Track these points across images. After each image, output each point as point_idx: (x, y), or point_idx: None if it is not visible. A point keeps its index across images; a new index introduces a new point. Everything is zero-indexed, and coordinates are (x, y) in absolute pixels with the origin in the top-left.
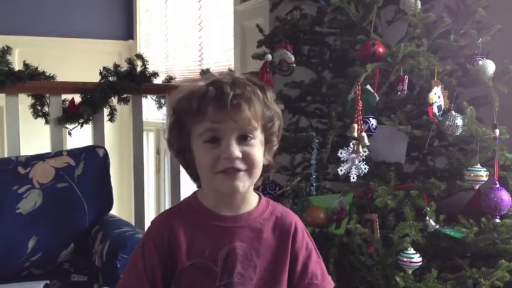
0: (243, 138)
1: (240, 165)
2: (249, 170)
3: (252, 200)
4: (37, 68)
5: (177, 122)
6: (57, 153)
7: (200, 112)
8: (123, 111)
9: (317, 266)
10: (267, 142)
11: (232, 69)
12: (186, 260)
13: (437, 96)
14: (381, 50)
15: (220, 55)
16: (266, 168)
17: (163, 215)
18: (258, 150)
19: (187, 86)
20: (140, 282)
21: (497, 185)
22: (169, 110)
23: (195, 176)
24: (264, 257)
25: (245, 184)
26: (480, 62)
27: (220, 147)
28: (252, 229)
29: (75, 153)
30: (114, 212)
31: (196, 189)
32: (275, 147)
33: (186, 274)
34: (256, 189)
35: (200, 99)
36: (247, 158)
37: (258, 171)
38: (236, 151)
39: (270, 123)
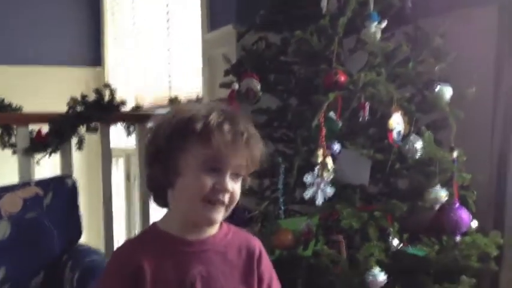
0: (235, 176)
1: (226, 200)
2: (229, 206)
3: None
4: (4, 99)
5: (175, 138)
6: (25, 184)
7: (210, 138)
8: (92, 138)
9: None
10: (243, 180)
11: (201, 96)
12: None
13: (396, 123)
14: (342, 78)
15: (188, 82)
16: None
17: (125, 245)
18: (239, 189)
19: (193, 108)
20: None
21: (457, 205)
22: (167, 125)
23: (161, 192)
24: (232, 279)
25: (220, 218)
26: (437, 88)
27: (217, 177)
28: (217, 252)
29: (43, 183)
30: (83, 240)
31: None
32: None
33: None
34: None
35: (212, 127)
36: (232, 195)
37: (232, 207)
38: (230, 186)
39: (254, 168)
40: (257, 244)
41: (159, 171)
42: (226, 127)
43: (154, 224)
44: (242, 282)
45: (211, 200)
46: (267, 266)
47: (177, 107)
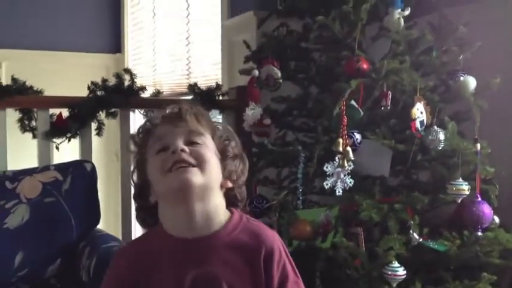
0: (191, 143)
1: (189, 158)
2: (200, 165)
3: (218, 218)
4: (25, 82)
5: (137, 163)
6: (44, 168)
7: (154, 131)
8: (111, 124)
9: (294, 287)
10: (223, 157)
11: (220, 83)
12: None
13: (419, 112)
14: (365, 66)
15: (208, 69)
16: (232, 194)
17: (126, 247)
18: (208, 152)
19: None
20: None
21: (479, 199)
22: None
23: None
24: (234, 281)
25: (197, 178)
26: (462, 78)
27: (166, 152)
28: (219, 252)
29: (62, 168)
30: (101, 226)
31: None
32: (236, 169)
33: None
34: (243, 203)
35: (149, 129)
36: (196, 154)
37: (210, 168)
38: (181, 145)
39: (221, 137)
40: (268, 241)
41: (142, 197)
42: (165, 119)
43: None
44: (247, 283)
45: (169, 167)
46: (279, 265)
47: None
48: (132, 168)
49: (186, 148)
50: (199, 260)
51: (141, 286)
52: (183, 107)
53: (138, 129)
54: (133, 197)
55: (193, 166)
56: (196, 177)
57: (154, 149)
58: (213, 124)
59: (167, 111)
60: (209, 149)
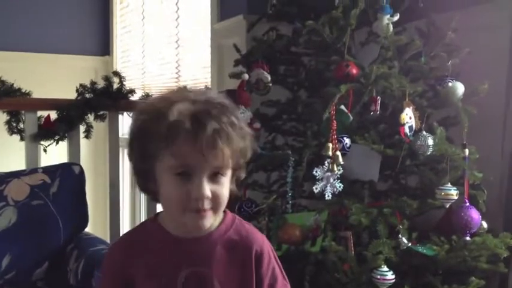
0: (214, 175)
1: (208, 205)
2: (215, 209)
3: (215, 223)
4: (13, 84)
5: (141, 142)
6: (32, 171)
7: (171, 141)
8: (99, 127)
9: None
10: (234, 175)
11: (209, 87)
12: None
13: (408, 117)
14: (354, 71)
15: (197, 72)
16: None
17: (120, 240)
18: (226, 189)
19: (157, 104)
20: None
21: (467, 204)
22: (134, 125)
23: (154, 194)
24: (226, 280)
25: (209, 222)
26: (450, 84)
27: (191, 183)
28: (212, 252)
29: (50, 170)
30: (89, 229)
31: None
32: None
33: None
34: (232, 206)
35: (171, 127)
36: (215, 198)
37: (222, 209)
38: (207, 191)
39: (242, 159)
40: (259, 243)
41: (141, 178)
42: (185, 125)
43: (157, 215)
44: (238, 283)
45: (192, 208)
46: (268, 268)
47: (150, 102)
48: (130, 141)
49: (210, 193)
50: (194, 259)
51: (135, 279)
52: (218, 127)
53: (158, 117)
54: (134, 167)
55: (209, 211)
56: (209, 221)
57: (172, 168)
58: (239, 144)
59: (187, 124)
60: (228, 181)
